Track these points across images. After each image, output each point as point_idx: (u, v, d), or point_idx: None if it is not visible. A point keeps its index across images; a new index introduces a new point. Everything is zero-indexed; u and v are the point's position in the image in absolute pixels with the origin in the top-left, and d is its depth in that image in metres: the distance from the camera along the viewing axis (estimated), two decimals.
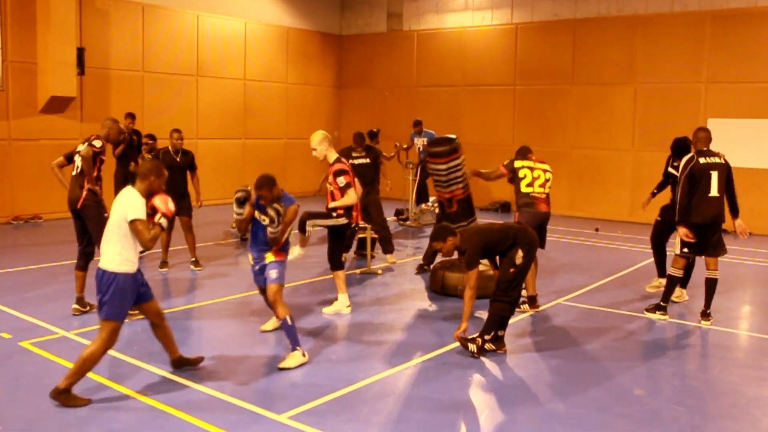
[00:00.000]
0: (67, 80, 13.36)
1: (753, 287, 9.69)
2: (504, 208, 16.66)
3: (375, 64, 19.26)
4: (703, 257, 7.60)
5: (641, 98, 15.12)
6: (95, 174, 7.29)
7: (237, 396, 5.23)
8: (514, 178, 8.12)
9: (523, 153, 8.32)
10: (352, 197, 7.37)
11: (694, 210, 7.40)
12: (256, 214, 6.36)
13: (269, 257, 6.28)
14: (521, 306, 7.77)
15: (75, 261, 7.43)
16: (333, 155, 7.50)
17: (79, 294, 7.35)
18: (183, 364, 5.76)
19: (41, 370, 5.74)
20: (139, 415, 4.91)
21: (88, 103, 14.06)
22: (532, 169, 8.08)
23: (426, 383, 5.75)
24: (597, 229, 13.88)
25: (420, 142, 14.55)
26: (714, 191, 7.35)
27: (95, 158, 7.30)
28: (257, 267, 6.46)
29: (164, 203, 5.35)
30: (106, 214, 6.97)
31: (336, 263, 7.70)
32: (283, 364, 5.88)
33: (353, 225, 7.70)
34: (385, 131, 15.51)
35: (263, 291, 6.56)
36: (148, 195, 5.32)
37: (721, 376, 6.18)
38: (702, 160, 7.40)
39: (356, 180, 7.71)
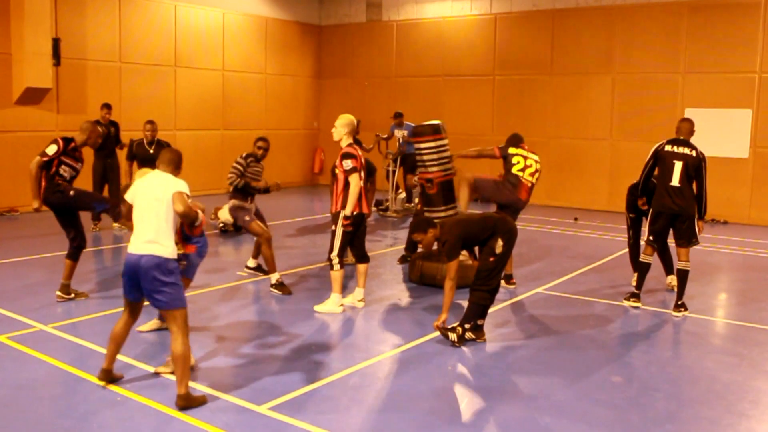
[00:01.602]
0: (43, 71, 13.20)
1: (728, 275, 9.81)
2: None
3: (354, 55, 19.21)
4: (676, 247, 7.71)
5: (619, 88, 15.22)
6: (53, 171, 7.27)
7: (217, 388, 5.22)
8: (505, 163, 8.32)
9: (516, 142, 8.56)
10: (355, 184, 7.13)
11: (655, 198, 7.50)
12: None
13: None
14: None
15: (52, 254, 7.39)
16: (347, 141, 7.33)
17: (66, 281, 7.36)
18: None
19: (18, 365, 5.69)
20: (119, 409, 4.88)
21: (64, 94, 13.90)
22: (525, 157, 8.33)
23: (406, 373, 5.78)
24: (576, 219, 13.97)
25: (400, 134, 14.55)
26: (675, 181, 7.40)
27: (51, 162, 7.26)
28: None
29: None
30: (71, 193, 7.25)
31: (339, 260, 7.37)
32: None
33: (359, 214, 7.31)
34: (364, 122, 15.49)
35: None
36: None
37: (697, 362, 6.26)
38: (668, 147, 7.49)
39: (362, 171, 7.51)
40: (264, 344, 6.30)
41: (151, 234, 4.92)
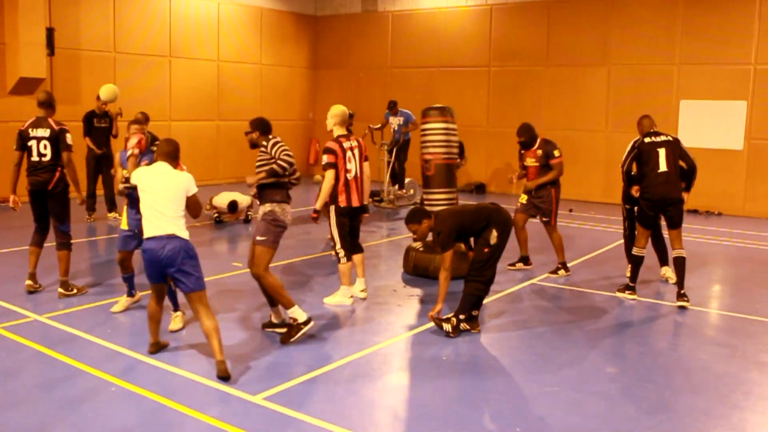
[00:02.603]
0: (37, 61, 13.14)
1: (723, 266, 9.84)
2: (479, 189, 16.72)
3: (350, 46, 19.16)
4: (669, 238, 7.73)
5: (615, 80, 15.21)
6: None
7: (211, 378, 5.23)
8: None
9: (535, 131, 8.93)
10: (327, 180, 7.08)
11: (646, 188, 7.57)
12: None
13: None
14: (516, 265, 8.82)
15: (49, 244, 7.38)
16: (338, 132, 7.28)
17: (63, 277, 7.34)
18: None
19: (12, 355, 5.68)
20: (114, 398, 4.89)
21: (58, 84, 13.83)
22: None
23: (400, 363, 5.79)
24: (571, 210, 13.98)
25: (396, 121, 14.52)
26: (663, 167, 7.48)
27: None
28: (131, 232, 6.58)
29: None
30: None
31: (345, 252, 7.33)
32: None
33: (347, 207, 7.24)
34: (360, 113, 15.44)
35: (126, 259, 6.71)
36: None
37: (691, 353, 6.29)
38: (647, 140, 7.61)
39: (364, 162, 7.42)
40: (258, 334, 6.30)
41: (171, 218, 5.28)
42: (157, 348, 5.73)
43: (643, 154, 7.59)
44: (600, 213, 13.74)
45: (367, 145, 14.56)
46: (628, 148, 7.81)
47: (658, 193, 7.51)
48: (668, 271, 8.50)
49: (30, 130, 7.29)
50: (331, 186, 7.09)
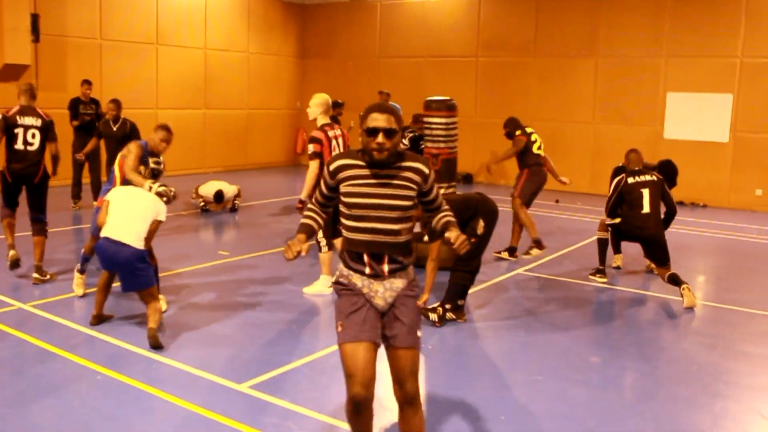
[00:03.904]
0: (21, 48, 13.02)
1: (706, 258, 9.91)
2: (466, 179, 16.74)
3: (338, 35, 19.09)
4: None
5: (602, 71, 15.25)
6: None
7: (197, 366, 5.22)
8: (527, 142, 8.99)
9: (521, 123, 9.34)
10: (312, 169, 7.05)
11: (625, 221, 7.67)
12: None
13: None
14: (531, 251, 8.97)
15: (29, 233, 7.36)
16: (321, 121, 7.23)
17: (37, 262, 7.29)
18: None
19: None
20: (99, 387, 4.87)
21: (43, 71, 13.72)
22: (533, 134, 9.13)
23: (384, 354, 5.79)
24: (557, 201, 14.03)
25: None
26: (646, 208, 7.55)
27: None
28: None
29: None
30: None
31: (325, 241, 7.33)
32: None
33: None
34: (348, 103, 15.41)
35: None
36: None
37: (674, 343, 6.34)
38: (631, 180, 7.65)
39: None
40: (244, 324, 6.30)
41: (134, 231, 5.73)
42: (99, 320, 6.06)
43: (626, 195, 7.63)
44: (587, 204, 13.80)
45: (356, 136, 14.68)
46: (612, 186, 7.80)
47: (638, 231, 7.60)
48: (618, 257, 8.70)
49: (17, 117, 7.24)
50: (315, 175, 7.07)
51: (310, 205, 3.65)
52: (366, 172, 3.40)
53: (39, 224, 7.29)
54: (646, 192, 7.56)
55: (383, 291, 3.50)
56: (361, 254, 3.46)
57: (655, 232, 7.53)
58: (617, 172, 8.63)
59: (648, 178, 7.65)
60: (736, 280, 8.49)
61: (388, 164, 3.37)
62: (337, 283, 3.58)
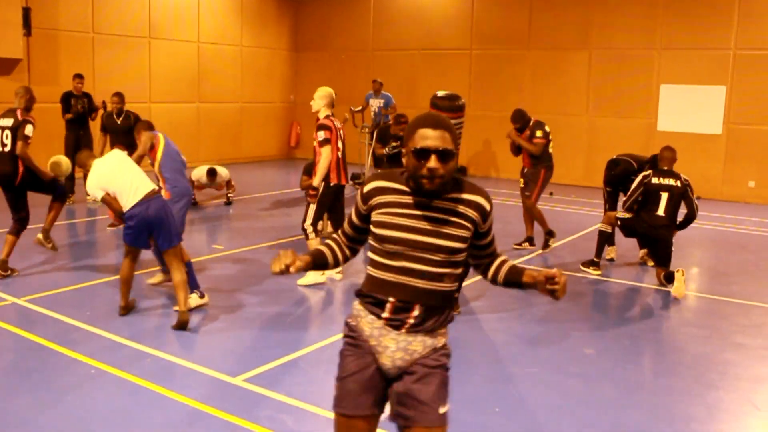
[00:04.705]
0: (13, 41, 12.93)
1: (700, 250, 9.93)
2: (460, 172, 16.71)
3: (332, 28, 19.03)
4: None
5: (596, 64, 15.25)
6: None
7: (191, 360, 5.22)
8: (546, 144, 8.97)
9: (533, 119, 9.15)
10: (325, 156, 7.08)
11: (638, 217, 7.68)
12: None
13: None
14: (550, 243, 9.11)
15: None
16: (324, 113, 7.25)
17: (4, 258, 7.24)
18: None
19: None
20: (93, 381, 4.87)
21: (35, 65, 13.65)
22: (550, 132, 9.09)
23: None
24: (551, 193, 14.03)
25: (376, 103, 14.46)
26: (660, 211, 7.55)
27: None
28: None
29: None
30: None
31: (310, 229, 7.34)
32: (185, 307, 5.92)
33: (336, 185, 7.28)
34: (341, 95, 15.34)
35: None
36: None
37: (669, 335, 6.37)
38: (655, 180, 7.63)
39: (340, 143, 7.37)
40: (239, 317, 6.30)
41: (144, 183, 5.99)
42: (128, 310, 6.18)
43: (646, 193, 7.63)
44: (581, 196, 13.82)
45: (349, 128, 14.68)
46: (636, 183, 7.74)
47: (650, 233, 7.62)
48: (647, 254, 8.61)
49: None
50: (329, 161, 7.09)
51: (335, 235, 2.98)
52: (408, 200, 2.67)
53: (17, 223, 7.33)
54: (665, 196, 7.56)
55: (394, 350, 2.72)
56: (384, 301, 2.71)
57: (665, 233, 7.55)
58: (612, 165, 8.67)
59: (672, 182, 7.62)
60: (729, 272, 8.52)
61: (439, 194, 2.66)
62: (345, 323, 2.88)
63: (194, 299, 6.33)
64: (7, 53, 12.87)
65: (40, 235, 7.56)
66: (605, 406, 4.75)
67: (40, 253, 7.75)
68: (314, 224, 7.22)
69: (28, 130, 7.25)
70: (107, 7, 14.82)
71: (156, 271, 7.23)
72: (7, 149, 7.24)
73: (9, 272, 7.25)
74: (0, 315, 6.12)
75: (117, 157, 6.25)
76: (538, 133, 8.95)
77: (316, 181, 7.15)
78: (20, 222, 7.35)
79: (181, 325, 5.79)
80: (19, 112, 7.34)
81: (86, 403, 4.54)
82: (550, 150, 9.07)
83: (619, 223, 7.93)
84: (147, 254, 7.07)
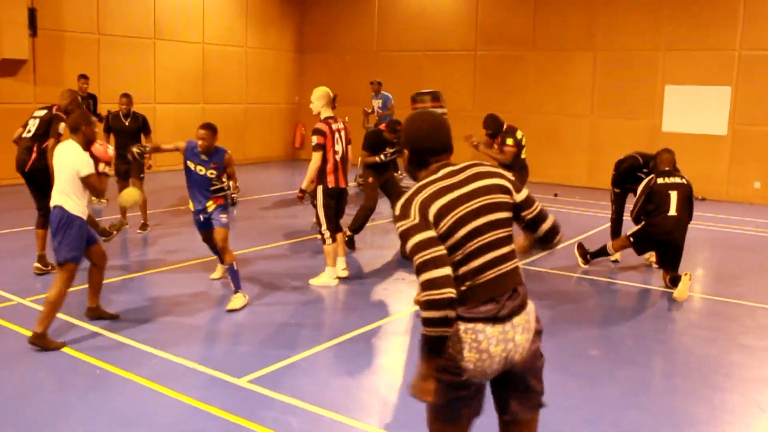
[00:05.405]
0: (19, 42, 12.98)
1: (706, 251, 9.91)
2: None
3: (336, 29, 19.04)
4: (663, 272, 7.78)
5: (601, 65, 15.22)
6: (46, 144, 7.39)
7: (196, 360, 5.22)
8: (518, 150, 8.67)
9: (505, 125, 8.79)
10: (314, 161, 7.10)
11: (651, 223, 7.57)
12: (190, 164, 6.78)
13: (210, 205, 6.62)
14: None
15: (32, 227, 7.39)
16: (325, 113, 7.27)
17: (41, 252, 7.33)
18: (98, 316, 5.99)
19: None
20: (99, 382, 4.87)
21: (41, 66, 13.69)
22: (523, 137, 8.78)
23: (384, 347, 5.80)
24: (556, 195, 14.02)
25: (376, 104, 14.47)
26: (672, 210, 7.47)
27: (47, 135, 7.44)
28: (201, 217, 6.72)
29: (103, 150, 5.70)
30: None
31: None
32: (229, 306, 6.33)
33: (335, 188, 7.28)
34: (346, 96, 15.39)
35: (208, 239, 6.87)
36: (87, 144, 5.63)
37: (674, 336, 6.35)
38: (660, 180, 7.57)
39: (347, 145, 7.41)
40: (243, 318, 6.30)
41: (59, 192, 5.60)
42: (96, 315, 6.01)
43: (654, 195, 7.54)
44: (585, 198, 13.80)
45: (357, 128, 14.68)
46: (640, 189, 7.68)
47: (666, 239, 7.51)
48: (653, 255, 8.56)
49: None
50: (317, 167, 7.13)
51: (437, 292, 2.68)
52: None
53: (43, 218, 7.32)
54: (674, 194, 7.47)
55: (522, 340, 2.74)
56: (494, 298, 2.67)
57: (679, 236, 7.48)
58: (618, 164, 8.64)
59: (678, 180, 7.56)
60: (734, 273, 8.49)
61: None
62: (448, 369, 2.83)
63: (239, 299, 6.44)
64: (13, 54, 12.91)
65: (38, 264, 7.40)
66: (609, 407, 4.75)
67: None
68: (330, 228, 7.25)
69: (62, 128, 7.30)
70: (112, 8, 14.86)
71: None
72: (29, 135, 7.34)
73: (49, 267, 7.29)
74: (5, 315, 6.14)
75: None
76: (509, 141, 8.64)
77: (304, 183, 7.25)
78: (46, 215, 7.33)
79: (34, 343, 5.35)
80: (54, 108, 7.47)
81: (90, 403, 4.54)
82: (523, 156, 8.77)
83: (632, 240, 7.78)
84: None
